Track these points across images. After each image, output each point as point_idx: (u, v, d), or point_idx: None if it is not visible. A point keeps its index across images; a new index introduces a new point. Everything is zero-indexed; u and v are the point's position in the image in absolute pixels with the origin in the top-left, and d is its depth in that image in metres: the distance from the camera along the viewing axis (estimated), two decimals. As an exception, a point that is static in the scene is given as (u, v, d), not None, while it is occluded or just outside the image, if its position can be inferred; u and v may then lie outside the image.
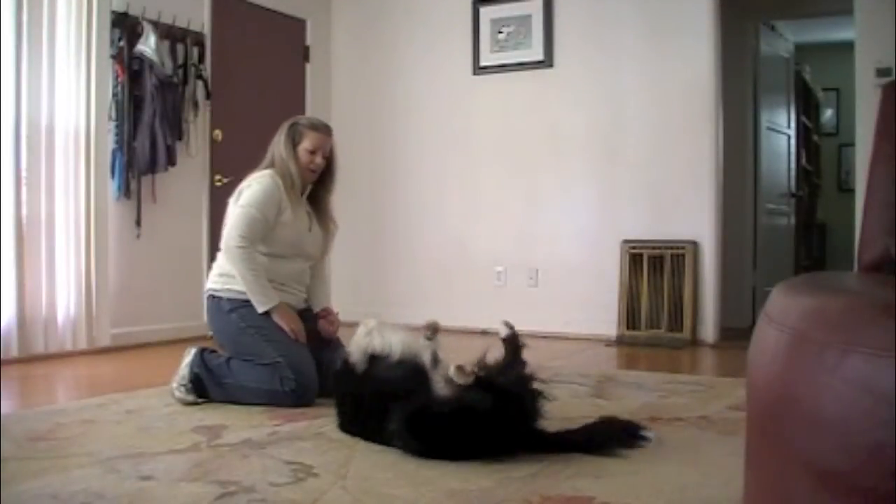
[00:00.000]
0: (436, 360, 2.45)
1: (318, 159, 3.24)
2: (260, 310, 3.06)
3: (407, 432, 2.26)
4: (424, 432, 2.25)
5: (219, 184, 5.22)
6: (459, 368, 2.24)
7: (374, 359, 2.54)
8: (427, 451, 2.25)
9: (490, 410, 2.21)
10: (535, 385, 2.36)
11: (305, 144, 3.21)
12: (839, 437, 0.81)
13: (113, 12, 4.65)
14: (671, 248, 5.08)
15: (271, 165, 3.22)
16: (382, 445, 2.36)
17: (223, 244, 3.15)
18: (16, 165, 4.18)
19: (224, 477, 2.09)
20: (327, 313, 3.34)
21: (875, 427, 0.77)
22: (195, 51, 5.10)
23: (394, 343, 2.53)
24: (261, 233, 3.11)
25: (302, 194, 3.28)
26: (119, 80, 4.65)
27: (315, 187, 3.33)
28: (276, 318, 3.06)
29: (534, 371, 2.45)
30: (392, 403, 2.33)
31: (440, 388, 2.34)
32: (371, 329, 2.62)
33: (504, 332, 2.69)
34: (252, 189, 3.14)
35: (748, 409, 1.10)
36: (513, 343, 2.65)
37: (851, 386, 0.81)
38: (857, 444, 0.79)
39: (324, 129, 3.28)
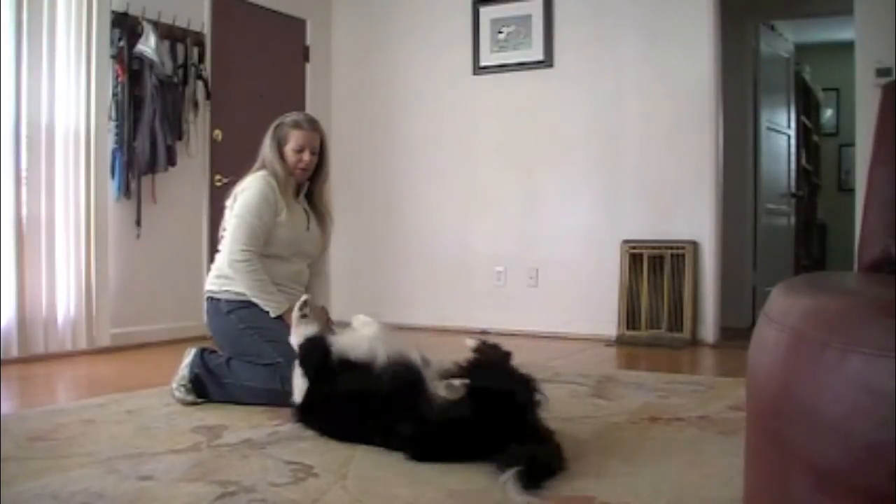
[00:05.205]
0: (426, 361, 2.46)
1: (307, 157, 3.19)
2: (273, 315, 3.04)
3: (415, 444, 2.26)
4: (431, 442, 2.25)
5: (219, 184, 5.22)
6: (449, 386, 2.22)
7: (355, 363, 2.52)
8: (434, 457, 2.25)
9: (483, 416, 2.19)
10: (524, 375, 2.34)
11: (291, 144, 3.18)
12: (839, 437, 0.81)
13: (113, 12, 4.65)
14: (671, 248, 5.08)
15: (263, 167, 3.20)
16: (376, 447, 2.36)
17: (227, 259, 3.11)
18: (16, 165, 4.18)
19: (224, 477, 2.09)
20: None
21: (875, 427, 0.77)
22: (195, 51, 5.10)
23: (378, 347, 2.51)
24: (262, 238, 3.10)
25: (298, 193, 3.27)
26: (119, 80, 4.65)
27: (309, 183, 3.31)
28: (290, 321, 3.00)
29: (519, 363, 2.46)
30: (390, 406, 2.34)
31: (436, 388, 2.35)
32: (373, 330, 2.60)
33: (471, 344, 2.62)
34: (245, 195, 3.12)
35: (748, 409, 1.10)
36: (484, 348, 2.61)
37: (851, 386, 0.81)
38: (857, 443, 0.79)
39: (308, 126, 3.22)
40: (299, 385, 2.60)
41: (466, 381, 2.24)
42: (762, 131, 6.13)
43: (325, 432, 2.51)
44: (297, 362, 2.64)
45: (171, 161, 4.84)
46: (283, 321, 3.04)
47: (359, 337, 2.59)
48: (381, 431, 2.36)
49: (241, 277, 3.07)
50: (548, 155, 5.53)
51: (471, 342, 2.62)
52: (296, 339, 2.71)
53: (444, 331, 5.31)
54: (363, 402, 2.43)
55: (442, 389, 2.21)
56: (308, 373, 2.56)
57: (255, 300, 3.07)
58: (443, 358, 2.58)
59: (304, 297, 2.82)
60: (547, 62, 5.51)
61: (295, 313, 2.78)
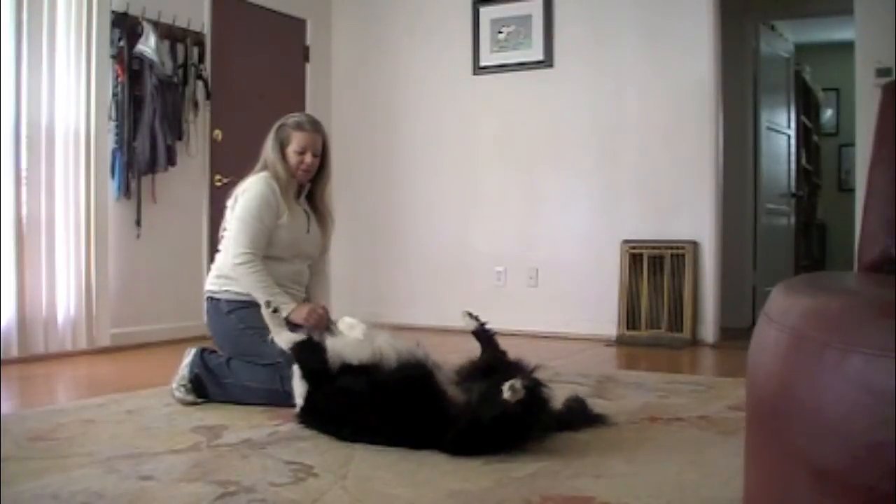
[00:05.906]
0: (436, 363, 2.47)
1: (308, 159, 3.19)
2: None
3: (460, 443, 2.29)
4: (476, 440, 2.29)
5: (219, 184, 5.22)
6: (512, 388, 2.21)
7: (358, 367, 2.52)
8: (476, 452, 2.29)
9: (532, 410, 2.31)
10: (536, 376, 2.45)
11: (293, 146, 3.17)
12: (839, 437, 0.81)
13: (113, 12, 4.65)
14: (671, 248, 5.08)
15: (264, 168, 3.20)
16: (389, 446, 2.36)
17: (230, 262, 3.10)
18: (16, 165, 4.18)
19: (224, 477, 2.09)
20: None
21: (874, 426, 0.77)
22: (195, 51, 5.10)
23: (385, 347, 2.52)
24: (264, 240, 3.09)
25: (299, 195, 3.27)
26: (119, 80, 4.65)
27: (310, 184, 3.31)
28: (296, 320, 2.99)
29: (519, 360, 2.60)
30: (404, 405, 2.38)
31: (450, 390, 2.39)
32: (360, 332, 2.61)
33: (472, 325, 2.78)
34: (246, 197, 3.12)
35: (748, 409, 1.10)
36: (485, 335, 2.75)
37: (851, 385, 0.81)
38: (857, 443, 0.79)
39: (310, 128, 3.21)
40: (299, 389, 2.59)
41: (524, 381, 2.28)
42: (762, 131, 6.13)
43: (332, 433, 2.50)
44: (295, 366, 2.63)
45: (171, 161, 4.84)
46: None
47: (357, 342, 2.58)
48: (396, 431, 2.37)
49: (245, 280, 3.06)
50: (548, 155, 5.53)
51: (470, 323, 2.77)
52: (281, 340, 2.70)
53: (445, 331, 5.31)
54: (373, 402, 2.43)
55: (506, 391, 2.21)
56: (308, 375, 2.55)
57: (259, 301, 3.04)
58: (446, 358, 2.60)
59: (265, 299, 2.85)
60: (547, 62, 5.51)
61: (265, 311, 2.78)
